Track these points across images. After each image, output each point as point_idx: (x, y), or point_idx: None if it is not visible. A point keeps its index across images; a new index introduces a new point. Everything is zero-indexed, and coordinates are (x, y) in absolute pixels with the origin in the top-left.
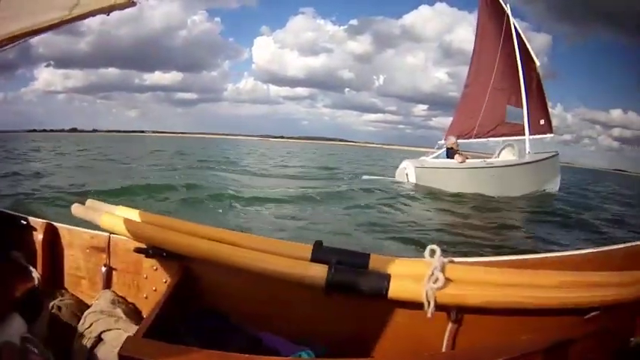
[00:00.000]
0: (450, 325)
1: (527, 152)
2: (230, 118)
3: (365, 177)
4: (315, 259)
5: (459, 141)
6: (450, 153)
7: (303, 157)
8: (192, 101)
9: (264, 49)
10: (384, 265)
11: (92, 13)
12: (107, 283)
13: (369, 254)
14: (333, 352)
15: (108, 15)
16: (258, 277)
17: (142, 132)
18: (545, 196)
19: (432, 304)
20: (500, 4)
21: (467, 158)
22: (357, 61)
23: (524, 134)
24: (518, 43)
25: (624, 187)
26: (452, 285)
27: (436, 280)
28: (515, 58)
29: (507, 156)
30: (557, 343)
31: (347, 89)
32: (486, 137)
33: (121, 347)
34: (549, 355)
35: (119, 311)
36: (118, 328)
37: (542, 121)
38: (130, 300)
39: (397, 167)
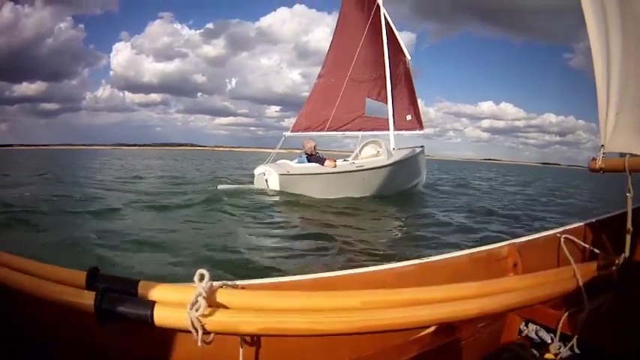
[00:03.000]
0: (241, 350)
1: (392, 148)
2: (87, 128)
3: (221, 187)
4: (89, 285)
5: (312, 134)
6: (310, 159)
7: (154, 166)
8: (54, 112)
9: (122, 56)
10: (151, 291)
11: None
12: None
13: (138, 280)
14: None
15: None
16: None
17: (11, 146)
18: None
19: (200, 332)
20: None
21: (335, 160)
22: (211, 64)
23: (388, 129)
24: (387, 35)
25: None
26: (223, 312)
27: (198, 307)
28: (383, 51)
29: (370, 152)
30: None
31: (200, 93)
32: (342, 131)
33: None
34: None
35: None
36: None
37: (408, 117)
38: None
39: (254, 173)
